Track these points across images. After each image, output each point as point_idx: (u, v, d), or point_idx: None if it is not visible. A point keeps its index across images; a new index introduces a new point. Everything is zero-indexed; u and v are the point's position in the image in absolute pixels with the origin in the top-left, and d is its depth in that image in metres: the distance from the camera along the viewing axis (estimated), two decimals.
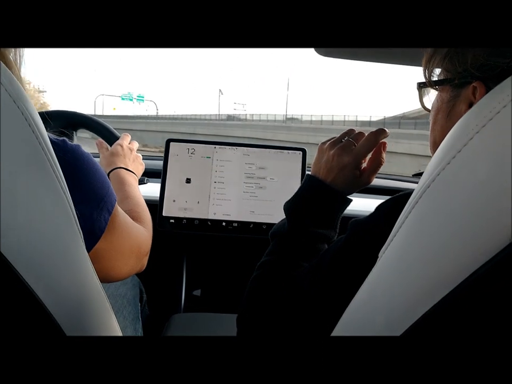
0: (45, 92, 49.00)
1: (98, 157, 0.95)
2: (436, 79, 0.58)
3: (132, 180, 0.88)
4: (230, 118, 37.72)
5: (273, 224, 1.14)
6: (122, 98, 57.08)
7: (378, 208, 0.54)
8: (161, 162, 1.14)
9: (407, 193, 0.54)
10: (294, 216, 0.63)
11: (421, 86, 0.60)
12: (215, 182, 1.13)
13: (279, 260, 0.61)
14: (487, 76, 0.50)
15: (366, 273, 0.40)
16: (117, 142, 0.98)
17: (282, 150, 1.16)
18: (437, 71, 0.58)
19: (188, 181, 1.13)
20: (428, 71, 0.58)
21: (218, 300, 1.30)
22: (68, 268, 0.36)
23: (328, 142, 0.67)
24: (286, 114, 38.35)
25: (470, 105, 0.52)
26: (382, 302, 0.35)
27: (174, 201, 1.12)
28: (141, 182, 1.08)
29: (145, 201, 0.82)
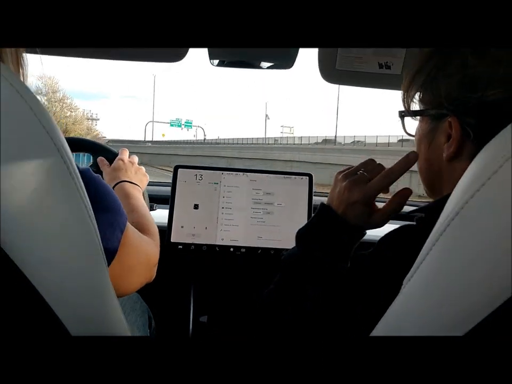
0: (98, 119, 49.48)
1: None
2: (416, 108, 0.59)
3: (136, 192, 0.88)
4: (277, 141, 36.80)
5: (281, 249, 1.15)
6: (171, 125, 57.33)
7: (381, 242, 0.55)
8: (169, 189, 1.15)
9: (407, 226, 0.55)
10: (303, 243, 0.63)
11: (402, 115, 0.61)
12: (222, 208, 1.14)
13: (287, 285, 0.61)
14: (460, 110, 0.51)
15: (369, 304, 0.41)
16: (118, 157, 0.99)
17: (289, 176, 1.17)
18: (417, 98, 0.58)
19: (196, 206, 1.13)
20: (407, 100, 0.59)
21: (226, 326, 1.29)
22: (91, 294, 0.36)
23: (343, 173, 0.64)
24: (336, 136, 36.59)
25: (449, 137, 0.53)
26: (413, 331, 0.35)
27: (182, 227, 1.12)
28: (150, 208, 1.08)
29: None
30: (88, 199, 0.35)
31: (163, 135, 58.77)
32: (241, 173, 1.16)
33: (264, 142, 37.91)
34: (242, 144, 37.87)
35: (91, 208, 0.35)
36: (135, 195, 0.86)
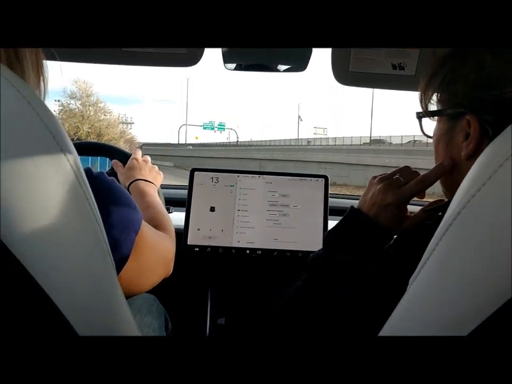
0: (133, 123, 50.41)
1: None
2: (434, 108, 0.59)
3: (151, 189, 0.90)
4: (309, 142, 35.47)
5: (297, 251, 1.15)
6: (204, 127, 57.24)
7: (397, 239, 0.56)
8: (185, 192, 1.16)
9: (425, 224, 0.55)
10: (329, 245, 0.64)
11: (420, 116, 0.61)
12: (238, 210, 1.15)
13: (314, 287, 0.62)
14: (478, 108, 0.51)
15: (392, 305, 0.41)
16: (131, 157, 1.01)
17: (304, 178, 1.17)
18: (434, 99, 0.59)
19: (212, 209, 1.14)
20: (424, 101, 0.60)
21: (243, 328, 1.30)
22: (99, 299, 0.37)
23: (379, 177, 0.66)
24: (371, 136, 35.23)
25: (467, 136, 0.53)
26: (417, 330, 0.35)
27: (198, 229, 1.13)
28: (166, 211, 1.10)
29: None
30: (95, 203, 0.36)
31: (196, 138, 58.86)
32: (256, 175, 1.16)
33: (296, 143, 36.93)
34: (274, 146, 37.26)
35: (99, 215, 0.36)
36: (150, 192, 0.88)
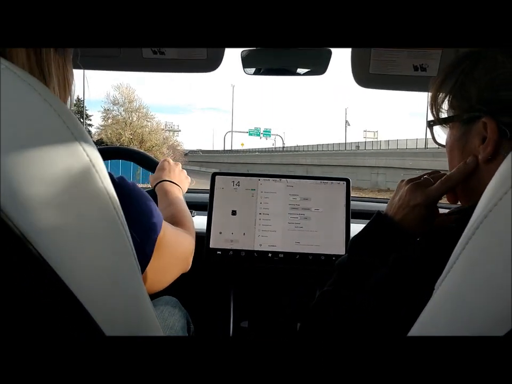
0: (179, 131, 51.05)
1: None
2: (445, 115, 0.59)
3: (176, 190, 0.93)
4: (358, 147, 32.94)
5: (320, 254, 1.14)
6: (250, 134, 56.37)
7: (421, 241, 0.55)
8: (207, 195, 1.17)
9: (446, 227, 0.54)
10: (354, 249, 0.64)
11: (431, 124, 0.61)
12: (260, 214, 1.15)
13: (338, 291, 0.62)
14: (493, 110, 0.51)
15: (413, 307, 0.40)
16: (163, 159, 1.05)
17: (326, 181, 1.16)
18: (445, 107, 0.58)
19: (234, 213, 1.15)
20: (435, 109, 0.59)
21: (267, 331, 1.30)
22: (125, 299, 0.38)
23: (407, 179, 0.66)
24: (426, 138, 34.09)
25: (483, 139, 0.52)
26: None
27: (220, 233, 1.14)
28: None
29: None
30: (120, 206, 0.37)
31: (242, 144, 58.10)
32: (277, 179, 1.17)
33: (345, 148, 34.84)
34: (322, 151, 35.66)
35: (123, 215, 0.37)
36: (174, 192, 0.91)
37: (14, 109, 0.31)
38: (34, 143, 0.31)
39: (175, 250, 0.68)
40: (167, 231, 0.64)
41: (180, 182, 0.98)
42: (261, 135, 56.17)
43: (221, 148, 58.15)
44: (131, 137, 27.91)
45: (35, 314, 0.31)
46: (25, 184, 0.30)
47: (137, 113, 29.27)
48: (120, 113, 29.36)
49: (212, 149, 61.87)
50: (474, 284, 0.33)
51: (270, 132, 57.43)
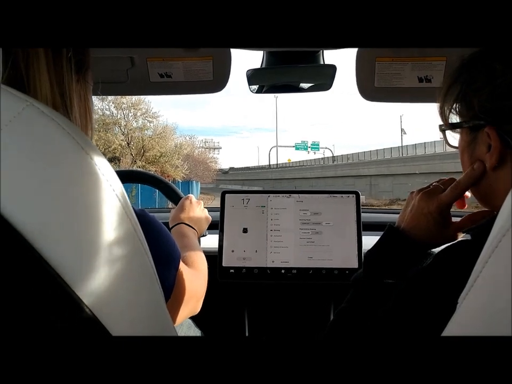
0: (220, 148, 49.98)
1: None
2: (455, 120, 0.59)
3: (191, 233, 0.93)
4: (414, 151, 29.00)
5: (333, 268, 1.14)
6: (296, 148, 52.44)
7: (438, 256, 0.54)
8: (218, 214, 1.18)
9: (464, 241, 0.54)
10: (368, 265, 0.64)
11: (443, 129, 0.61)
12: (271, 230, 1.15)
13: (353, 308, 0.62)
14: (496, 119, 0.51)
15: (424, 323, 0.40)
16: (184, 197, 1.05)
17: (335, 194, 1.17)
18: (454, 112, 0.59)
19: (245, 230, 1.15)
20: (444, 114, 0.60)
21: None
22: (151, 325, 0.38)
23: (417, 190, 0.65)
24: None
25: (489, 147, 0.53)
26: None
27: (232, 251, 1.14)
28: (201, 235, 1.12)
29: (205, 253, 0.87)
30: (144, 237, 0.37)
31: (289, 160, 53.53)
32: (286, 195, 1.17)
33: (402, 154, 30.50)
34: (377, 160, 31.36)
35: (146, 244, 0.38)
36: (189, 235, 0.91)
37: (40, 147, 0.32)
38: (63, 184, 0.32)
39: (189, 289, 0.68)
40: (183, 269, 0.65)
41: (198, 224, 0.98)
42: (309, 149, 52.07)
43: (266, 164, 54.01)
44: (125, 143, 19.53)
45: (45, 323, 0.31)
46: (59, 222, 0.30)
47: (133, 110, 20.43)
48: (111, 111, 20.21)
49: (255, 165, 57.97)
50: (500, 297, 0.33)
51: (318, 144, 52.83)
